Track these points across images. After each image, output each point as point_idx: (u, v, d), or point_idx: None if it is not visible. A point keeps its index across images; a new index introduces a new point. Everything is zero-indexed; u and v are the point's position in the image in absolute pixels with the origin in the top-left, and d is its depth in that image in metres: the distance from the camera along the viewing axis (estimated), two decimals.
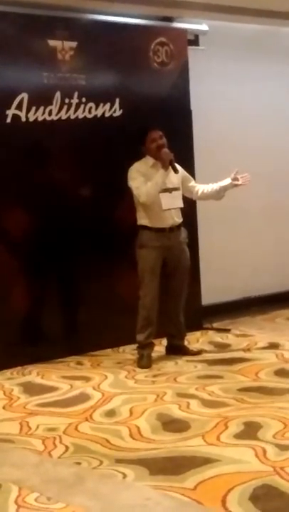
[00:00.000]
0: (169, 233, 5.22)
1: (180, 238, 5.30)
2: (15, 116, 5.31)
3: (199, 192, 5.40)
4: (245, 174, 5.36)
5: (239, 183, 5.35)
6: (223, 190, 5.38)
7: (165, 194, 5.15)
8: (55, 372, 5.15)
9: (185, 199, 5.38)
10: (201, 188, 5.41)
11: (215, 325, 6.37)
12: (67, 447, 3.65)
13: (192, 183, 5.42)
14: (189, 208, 5.69)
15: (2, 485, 3.18)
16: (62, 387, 4.77)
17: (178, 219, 5.28)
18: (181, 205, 5.30)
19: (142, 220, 5.23)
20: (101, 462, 3.42)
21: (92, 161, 5.64)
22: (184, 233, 5.34)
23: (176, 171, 5.16)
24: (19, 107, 5.31)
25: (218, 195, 5.41)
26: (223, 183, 5.35)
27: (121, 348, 5.71)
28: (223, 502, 2.90)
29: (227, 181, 5.34)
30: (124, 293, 5.55)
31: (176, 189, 5.24)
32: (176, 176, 5.24)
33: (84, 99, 5.58)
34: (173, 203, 5.21)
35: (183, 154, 5.58)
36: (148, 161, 5.23)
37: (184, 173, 5.35)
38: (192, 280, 5.64)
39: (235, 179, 5.33)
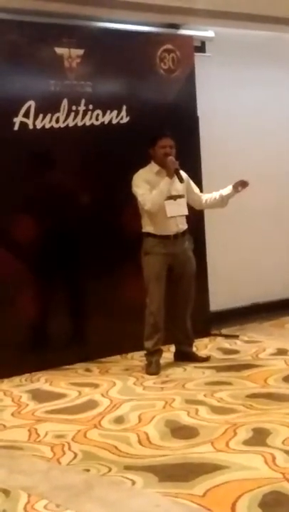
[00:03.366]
0: (173, 240, 5.22)
1: (185, 245, 5.30)
2: (22, 124, 5.33)
3: (203, 202, 5.40)
4: (246, 181, 5.30)
5: (240, 189, 5.31)
6: (226, 198, 5.37)
7: (170, 201, 5.16)
8: (64, 379, 5.16)
9: (192, 206, 5.39)
10: (204, 197, 5.41)
11: (223, 331, 6.36)
12: (75, 454, 3.65)
13: (196, 191, 5.41)
14: (197, 214, 5.69)
15: (11, 492, 3.18)
16: (71, 394, 4.77)
17: (182, 226, 5.28)
18: (186, 212, 5.30)
19: (147, 227, 5.24)
20: (110, 469, 3.42)
21: (99, 167, 5.66)
22: (188, 240, 5.33)
23: (181, 180, 5.16)
24: (26, 114, 5.33)
25: (222, 203, 5.40)
26: (225, 191, 5.34)
27: (129, 355, 5.71)
28: (233, 509, 2.90)
29: (229, 189, 5.33)
30: (133, 299, 5.54)
31: (180, 196, 5.24)
32: (181, 184, 5.24)
33: (91, 107, 5.60)
34: (178, 210, 5.21)
35: (190, 160, 5.60)
36: (153, 167, 5.24)
37: (188, 181, 5.34)
38: (200, 286, 5.64)
39: (236, 186, 5.31)
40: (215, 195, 5.38)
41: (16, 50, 5.34)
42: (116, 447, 3.70)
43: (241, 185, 5.29)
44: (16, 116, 5.30)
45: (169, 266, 5.25)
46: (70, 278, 5.68)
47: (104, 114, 5.66)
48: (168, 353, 5.49)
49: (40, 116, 5.38)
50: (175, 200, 5.19)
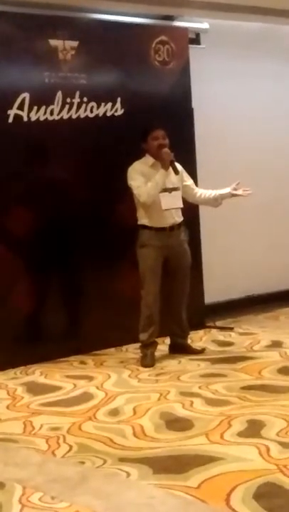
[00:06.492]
0: (169, 232, 5.22)
1: (180, 237, 5.30)
2: (17, 116, 5.31)
3: (197, 195, 5.38)
4: (248, 189, 5.33)
5: (239, 193, 5.31)
6: (221, 198, 5.36)
7: (165, 194, 5.15)
8: (59, 371, 5.16)
9: (184, 198, 5.37)
10: (199, 191, 5.40)
11: (218, 323, 6.37)
12: (70, 446, 3.65)
13: (189, 182, 5.38)
14: (192, 207, 5.68)
15: (6, 484, 3.18)
16: (66, 386, 4.78)
17: (178, 218, 5.27)
18: (181, 205, 5.29)
19: (142, 219, 5.23)
20: (105, 461, 3.42)
21: (93, 160, 5.65)
22: (184, 232, 5.33)
23: (176, 171, 5.16)
24: (21, 106, 5.31)
25: (216, 202, 5.40)
26: (222, 191, 5.34)
27: (124, 347, 5.71)
28: (227, 500, 2.90)
29: (226, 190, 5.33)
30: (127, 292, 5.55)
31: (176, 189, 5.23)
32: (176, 176, 5.23)
33: (85, 99, 5.58)
34: (173, 202, 5.21)
35: (184, 153, 5.59)
36: (147, 160, 5.23)
37: (182, 173, 5.33)
38: (195, 279, 5.65)
39: (235, 189, 5.31)
40: (211, 192, 5.37)
41: (10, 41, 5.31)
42: (111, 439, 3.71)
43: (239, 190, 5.28)
44: (11, 108, 5.28)
45: (164, 258, 5.25)
46: (65, 271, 5.68)
47: (98, 107, 5.65)
48: (163, 346, 5.50)
49: (35, 108, 5.36)
50: (170, 192, 5.19)
